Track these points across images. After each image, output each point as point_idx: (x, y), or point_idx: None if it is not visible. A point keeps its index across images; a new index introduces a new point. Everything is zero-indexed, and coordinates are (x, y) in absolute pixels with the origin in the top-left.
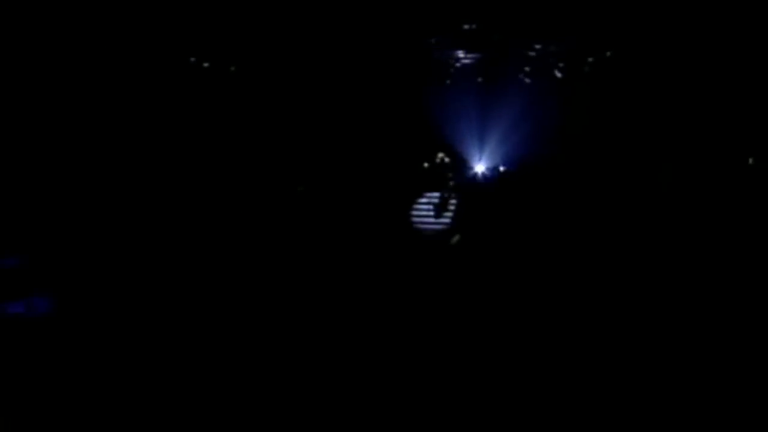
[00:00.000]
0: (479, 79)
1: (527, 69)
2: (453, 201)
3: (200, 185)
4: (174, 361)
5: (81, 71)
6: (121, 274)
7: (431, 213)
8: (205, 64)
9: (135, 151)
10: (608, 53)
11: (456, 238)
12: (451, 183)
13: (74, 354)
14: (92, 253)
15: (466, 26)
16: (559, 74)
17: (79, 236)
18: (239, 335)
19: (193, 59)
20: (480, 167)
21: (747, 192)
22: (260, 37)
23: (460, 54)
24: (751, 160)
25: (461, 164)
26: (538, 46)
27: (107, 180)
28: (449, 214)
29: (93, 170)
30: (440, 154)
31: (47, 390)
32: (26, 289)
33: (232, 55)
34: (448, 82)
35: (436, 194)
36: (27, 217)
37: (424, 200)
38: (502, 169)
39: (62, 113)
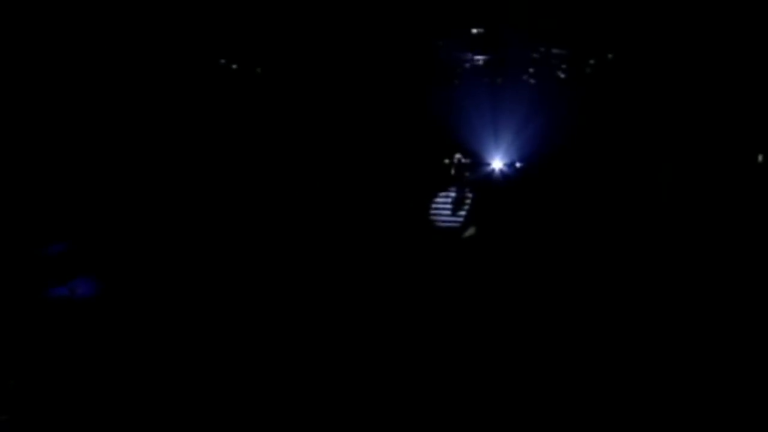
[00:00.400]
0: (486, 80)
1: (531, 70)
2: (469, 197)
3: (236, 177)
4: (209, 344)
5: (123, 68)
6: (160, 259)
7: (448, 209)
8: (234, 66)
9: (169, 143)
10: (609, 56)
11: (471, 230)
12: (468, 180)
13: (115, 334)
14: (132, 239)
15: (473, 30)
16: (562, 75)
17: (119, 224)
18: (275, 318)
19: (223, 60)
20: (497, 163)
21: (756, 191)
22: (282, 40)
23: (468, 56)
24: (760, 158)
25: (477, 161)
26: (542, 49)
27: (144, 171)
28: (466, 209)
29: (131, 162)
30: (458, 155)
31: (86, 366)
32: (70, 274)
33: (253, 57)
34: (456, 82)
35: (453, 191)
36: (70, 207)
37: (441, 196)
38: (518, 165)
39: (98, 109)
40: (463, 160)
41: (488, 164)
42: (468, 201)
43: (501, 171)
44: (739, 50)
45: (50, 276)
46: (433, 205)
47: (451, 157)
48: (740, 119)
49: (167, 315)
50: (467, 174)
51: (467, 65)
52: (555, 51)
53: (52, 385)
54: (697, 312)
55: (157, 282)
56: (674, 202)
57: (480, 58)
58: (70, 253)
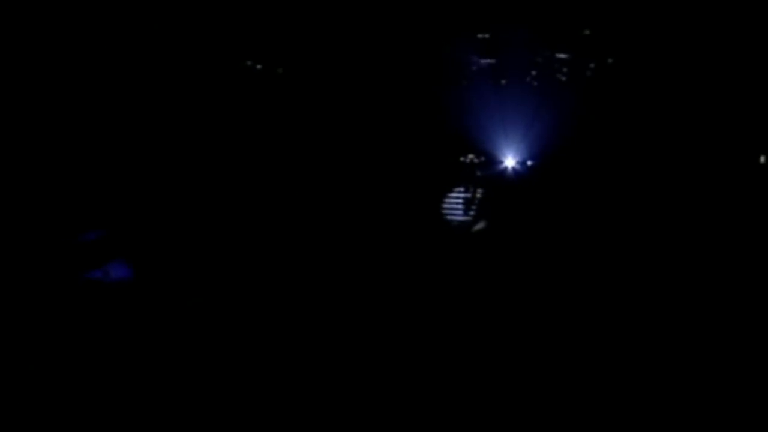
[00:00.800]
0: (490, 82)
1: (534, 73)
2: (480, 194)
3: (261, 171)
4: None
5: (158, 67)
6: (188, 247)
7: (460, 207)
8: (258, 66)
9: (200, 139)
10: (609, 60)
11: (479, 225)
12: (479, 177)
13: (144, 314)
14: (161, 228)
15: (480, 35)
16: (563, 78)
17: (150, 213)
18: (293, 302)
19: (249, 62)
20: (510, 162)
21: (757, 193)
22: (303, 44)
23: (474, 59)
24: (762, 159)
25: (489, 160)
26: (544, 53)
27: (174, 165)
28: (477, 205)
29: (163, 157)
30: (470, 156)
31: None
32: (105, 259)
33: (274, 59)
34: (464, 83)
35: (464, 190)
36: (105, 197)
37: (453, 195)
38: (529, 163)
39: (133, 108)
40: (469, 158)
41: (490, 162)
42: (478, 197)
43: (502, 169)
44: (739, 53)
45: (86, 260)
46: (446, 202)
47: (455, 154)
48: (741, 120)
49: (192, 298)
50: (476, 171)
51: (474, 68)
52: (557, 55)
53: (82, 360)
54: (699, 311)
55: (184, 268)
56: (677, 201)
57: (486, 62)
58: (104, 239)
